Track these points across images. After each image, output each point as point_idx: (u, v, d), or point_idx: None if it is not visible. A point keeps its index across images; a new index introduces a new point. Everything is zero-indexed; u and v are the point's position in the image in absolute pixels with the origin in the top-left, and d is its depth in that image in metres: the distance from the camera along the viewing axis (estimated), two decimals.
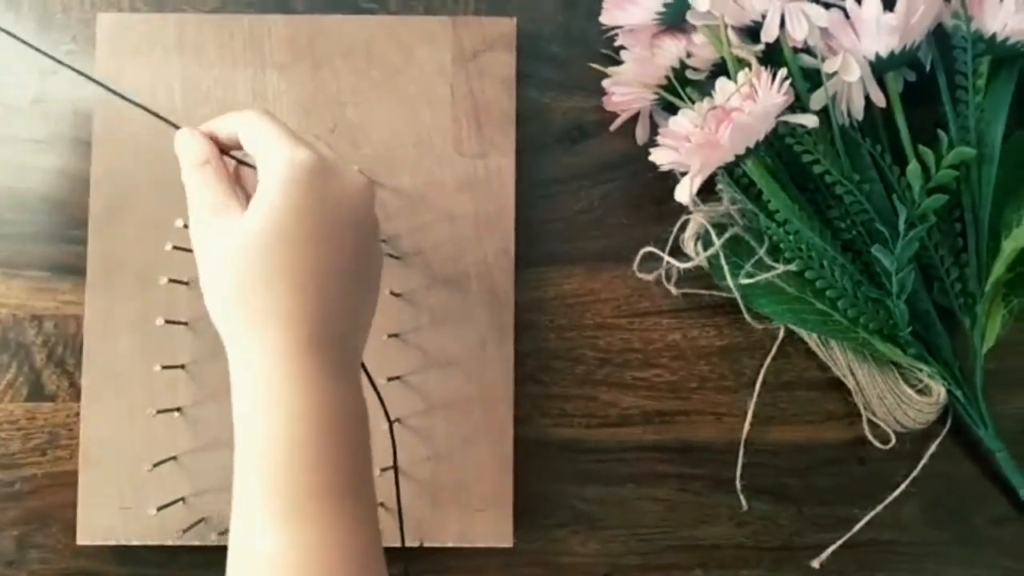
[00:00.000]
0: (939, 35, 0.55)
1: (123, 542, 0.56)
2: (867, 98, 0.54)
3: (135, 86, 0.58)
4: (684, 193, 0.51)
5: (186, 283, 0.57)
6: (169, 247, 0.54)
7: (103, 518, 0.56)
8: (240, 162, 0.48)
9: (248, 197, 0.43)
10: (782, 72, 0.50)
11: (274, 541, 0.38)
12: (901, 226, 0.51)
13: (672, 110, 0.55)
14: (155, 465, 0.55)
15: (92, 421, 0.57)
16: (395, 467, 0.54)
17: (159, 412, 0.56)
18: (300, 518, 0.39)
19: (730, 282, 0.55)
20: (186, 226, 0.51)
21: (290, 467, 0.39)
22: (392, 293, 0.57)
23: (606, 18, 0.57)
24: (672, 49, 0.56)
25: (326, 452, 0.40)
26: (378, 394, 0.52)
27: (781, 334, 0.58)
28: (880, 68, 0.53)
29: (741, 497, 0.58)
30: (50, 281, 0.59)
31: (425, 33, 0.59)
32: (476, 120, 0.59)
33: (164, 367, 0.56)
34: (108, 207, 0.58)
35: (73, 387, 0.58)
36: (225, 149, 0.46)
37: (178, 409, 0.57)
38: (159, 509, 0.55)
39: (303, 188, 0.41)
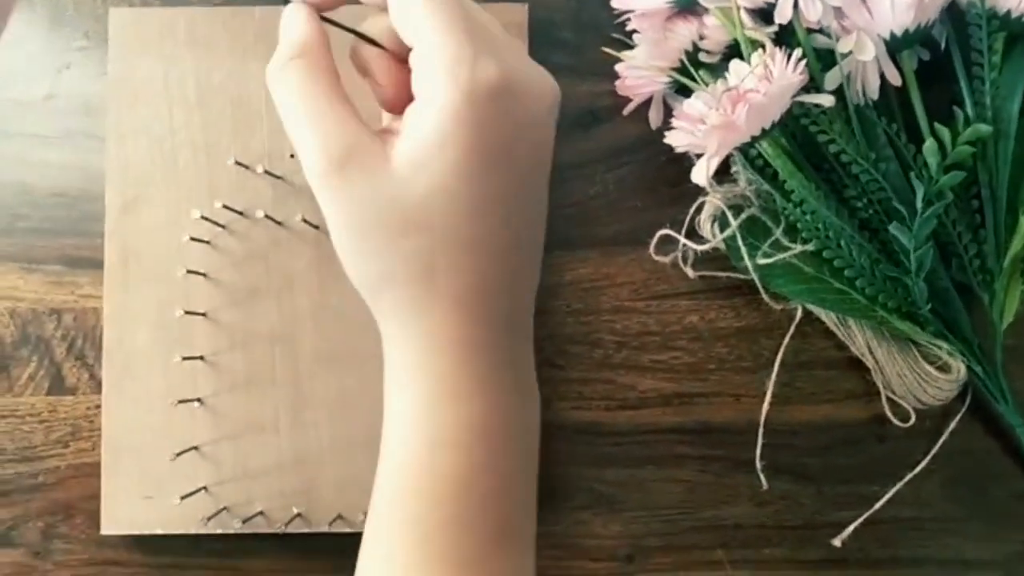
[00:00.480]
0: (953, 12, 0.54)
1: (146, 531, 0.57)
2: (882, 77, 0.53)
3: (148, 81, 0.59)
4: (701, 175, 0.51)
5: (203, 274, 0.57)
6: (186, 239, 0.55)
7: (126, 508, 0.57)
8: (369, 41, 0.35)
9: (386, 100, 0.32)
10: (797, 52, 0.50)
11: None
12: (918, 204, 0.51)
13: (686, 93, 0.55)
14: (177, 455, 0.55)
15: (113, 413, 0.57)
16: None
17: (179, 402, 0.56)
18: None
19: (747, 263, 0.55)
20: (203, 217, 0.50)
21: (459, 516, 0.31)
22: None
23: (618, 2, 0.56)
24: (685, 32, 0.56)
25: (505, 490, 0.32)
26: None
27: (799, 314, 0.58)
28: (895, 47, 0.52)
29: (761, 477, 0.58)
30: (68, 275, 0.59)
31: None
32: None
33: (184, 358, 0.56)
34: (124, 200, 0.58)
35: (93, 379, 0.58)
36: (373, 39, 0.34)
37: (198, 399, 0.57)
38: (183, 498, 0.55)
39: (486, 118, 0.31)
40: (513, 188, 0.32)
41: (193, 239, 0.55)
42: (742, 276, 0.58)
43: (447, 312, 0.32)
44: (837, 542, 0.58)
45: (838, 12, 0.52)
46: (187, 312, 0.56)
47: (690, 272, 0.58)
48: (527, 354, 0.36)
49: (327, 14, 0.36)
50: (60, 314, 0.59)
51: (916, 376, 0.56)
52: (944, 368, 0.56)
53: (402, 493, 0.31)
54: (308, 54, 0.33)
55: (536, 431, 0.35)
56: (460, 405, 0.32)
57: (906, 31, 0.51)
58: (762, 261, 0.55)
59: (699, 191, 0.56)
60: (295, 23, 0.33)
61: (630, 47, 0.57)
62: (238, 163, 0.57)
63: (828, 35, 0.52)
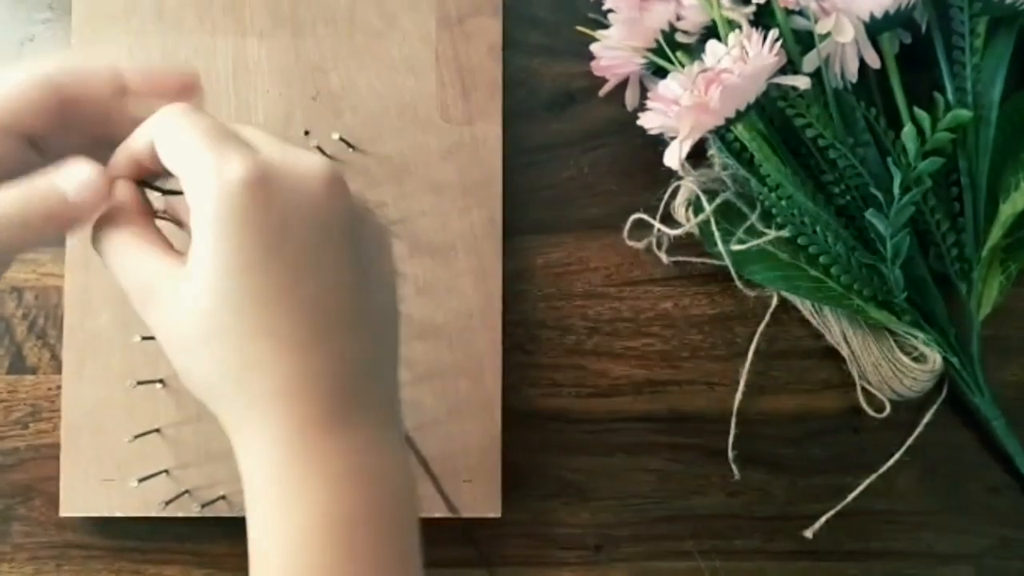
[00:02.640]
0: None
1: (105, 514, 0.56)
2: (861, 60, 0.52)
3: (112, 55, 0.57)
4: (673, 158, 0.50)
5: None
6: None
7: (86, 491, 0.56)
8: (166, 192, 0.37)
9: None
10: (773, 32, 0.48)
11: None
12: (896, 190, 0.50)
13: (662, 74, 0.54)
14: (136, 437, 0.54)
15: (74, 394, 0.56)
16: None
17: (139, 383, 0.55)
18: None
19: (721, 249, 0.54)
20: (166, 192, 0.50)
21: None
22: None
23: None
24: (661, 12, 0.54)
25: (367, 558, 0.32)
26: None
27: (774, 302, 0.57)
28: (875, 29, 0.51)
29: (734, 467, 0.57)
30: (29, 252, 0.58)
31: None
32: (462, 86, 0.58)
33: (144, 338, 0.55)
34: None
35: (55, 359, 0.57)
36: (155, 172, 0.35)
37: (160, 380, 0.56)
38: (140, 481, 0.54)
39: (243, 213, 0.31)
40: (302, 272, 0.32)
41: (160, 216, 0.54)
42: (717, 262, 0.56)
43: (264, 412, 0.32)
44: (809, 533, 0.57)
45: None
46: None
47: (664, 258, 0.57)
48: (381, 434, 0.34)
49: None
50: (21, 292, 0.58)
51: (892, 366, 0.55)
52: (920, 359, 0.55)
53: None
54: (115, 218, 0.34)
55: (407, 503, 0.35)
56: (298, 504, 0.31)
57: (886, 13, 0.50)
58: (736, 247, 0.54)
59: (675, 175, 0.55)
60: (98, 198, 0.34)
61: (606, 27, 0.56)
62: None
63: (807, 16, 0.51)
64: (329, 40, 0.58)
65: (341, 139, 0.55)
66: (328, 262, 0.32)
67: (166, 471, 0.56)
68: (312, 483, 0.31)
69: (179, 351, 0.33)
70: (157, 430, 0.56)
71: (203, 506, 0.55)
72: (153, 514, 0.55)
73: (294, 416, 0.32)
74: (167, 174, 0.34)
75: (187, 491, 0.55)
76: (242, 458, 0.33)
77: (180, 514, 0.55)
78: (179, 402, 0.56)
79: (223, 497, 0.55)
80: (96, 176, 0.33)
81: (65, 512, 0.56)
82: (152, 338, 0.54)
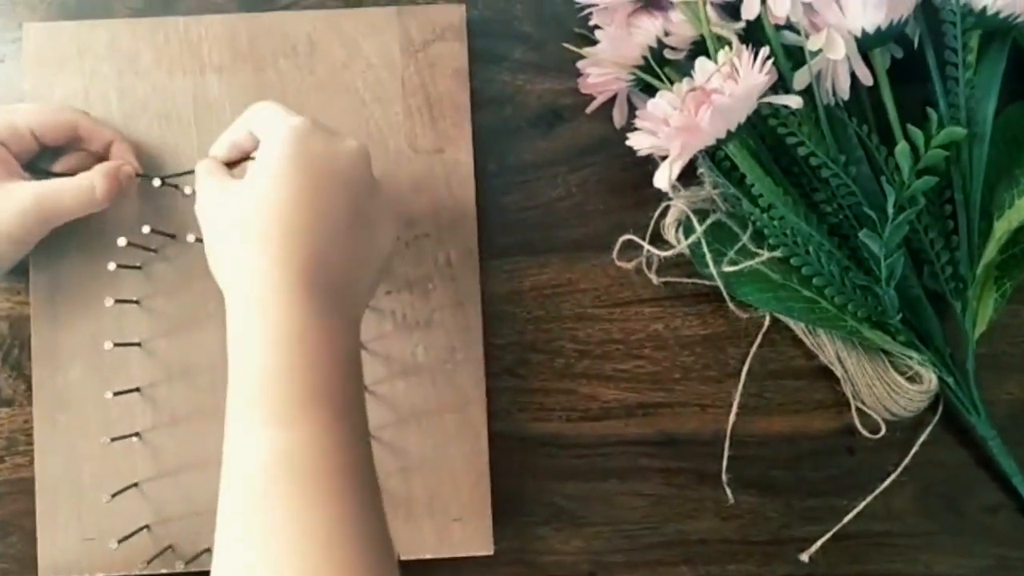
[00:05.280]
0: (927, 9, 0.52)
1: None
2: (853, 76, 0.51)
3: (68, 98, 0.56)
4: (663, 180, 0.49)
5: (136, 302, 0.55)
6: (113, 267, 0.52)
7: (66, 551, 0.54)
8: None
9: None
10: (764, 51, 0.47)
11: (262, 440, 0.40)
12: (890, 209, 0.49)
13: (650, 92, 0.53)
14: (114, 495, 0.53)
15: (47, 452, 0.54)
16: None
17: (114, 440, 0.53)
18: (287, 423, 0.40)
19: (713, 270, 0.53)
20: (130, 243, 0.51)
21: (278, 377, 0.41)
22: None
23: None
24: (649, 28, 0.53)
25: (314, 369, 0.41)
26: None
27: (767, 322, 0.56)
28: (866, 44, 0.50)
29: (728, 490, 0.56)
30: (3, 280, 0.56)
31: (370, 25, 0.56)
32: (430, 114, 0.56)
33: (116, 393, 0.53)
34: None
35: (30, 391, 0.55)
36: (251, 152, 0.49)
37: (136, 434, 0.54)
38: (120, 541, 0.52)
39: (296, 146, 0.44)
40: (319, 199, 0.44)
41: (121, 266, 0.52)
42: (708, 282, 0.55)
43: (274, 267, 0.43)
44: (805, 557, 0.56)
45: (808, 8, 0.50)
46: (118, 344, 0.53)
47: (654, 278, 0.56)
48: (348, 305, 0.45)
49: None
50: None
51: (886, 387, 0.54)
52: (915, 379, 0.54)
53: (240, 363, 0.42)
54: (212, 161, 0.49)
55: (348, 348, 0.45)
56: (272, 324, 0.42)
57: (878, 28, 0.49)
58: (728, 268, 0.53)
59: (665, 194, 0.54)
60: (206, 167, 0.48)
61: (593, 43, 0.55)
62: (166, 183, 0.54)
63: (797, 32, 0.50)
64: (291, 73, 0.56)
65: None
66: (342, 194, 0.44)
67: (147, 527, 0.54)
68: (290, 313, 0.42)
69: (224, 224, 0.45)
70: (135, 485, 0.54)
71: (187, 562, 0.54)
72: (136, 572, 0.54)
73: (286, 274, 0.42)
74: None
75: (170, 546, 0.54)
76: (237, 300, 0.43)
77: (164, 571, 0.54)
78: (157, 455, 0.55)
79: (207, 550, 0.54)
80: (112, 177, 0.52)
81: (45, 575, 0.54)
82: (127, 392, 0.53)
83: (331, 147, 0.45)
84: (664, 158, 0.49)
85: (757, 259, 0.53)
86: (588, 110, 0.57)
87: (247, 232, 0.43)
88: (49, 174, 0.54)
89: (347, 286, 0.45)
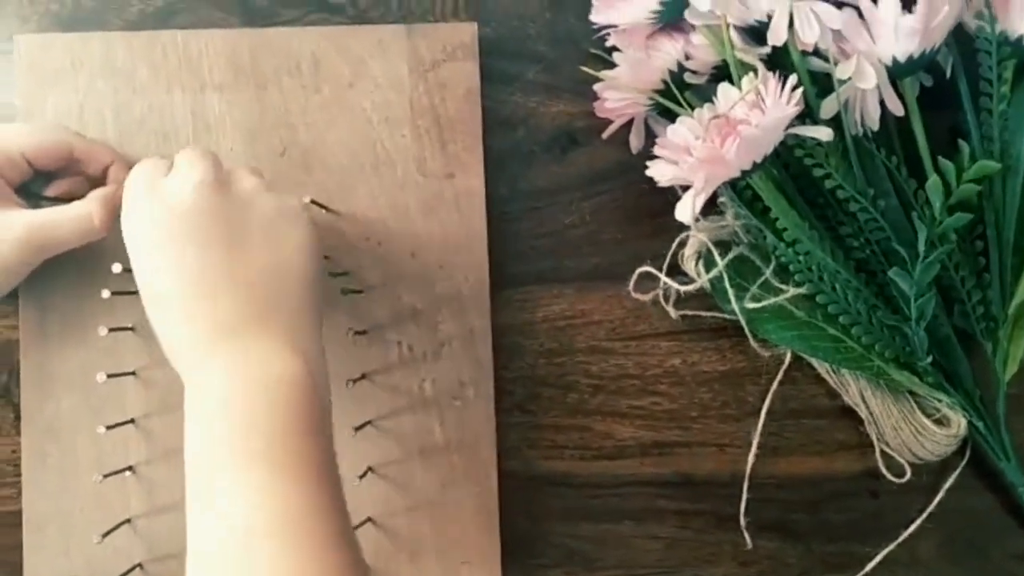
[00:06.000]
0: (960, 36, 0.50)
1: None
2: (882, 105, 0.49)
3: (62, 115, 0.54)
4: (686, 213, 0.47)
5: (131, 328, 0.52)
6: (107, 294, 0.50)
7: None
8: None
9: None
10: (792, 79, 0.45)
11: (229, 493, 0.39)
12: (921, 247, 0.47)
13: (669, 116, 0.51)
14: (105, 535, 0.51)
15: (36, 484, 0.52)
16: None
17: (106, 476, 0.51)
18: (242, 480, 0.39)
19: (735, 307, 0.51)
20: (125, 269, 0.48)
21: (231, 430, 0.40)
22: (356, 332, 0.53)
23: (597, 16, 0.52)
24: (669, 51, 0.51)
25: (260, 417, 0.40)
26: None
27: (788, 358, 0.54)
28: (897, 73, 0.48)
29: (746, 534, 0.54)
30: None
31: (377, 42, 0.54)
32: (439, 137, 0.54)
33: (108, 427, 0.51)
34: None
35: (19, 420, 0.53)
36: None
37: (130, 468, 0.52)
38: None
39: (128, 223, 0.43)
40: (177, 249, 0.42)
41: (116, 293, 0.50)
42: (728, 317, 0.53)
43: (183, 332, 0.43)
44: None
45: (837, 35, 0.48)
46: (111, 375, 0.51)
47: (672, 311, 0.54)
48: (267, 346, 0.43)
49: None
50: None
51: (913, 429, 0.52)
52: (943, 421, 0.52)
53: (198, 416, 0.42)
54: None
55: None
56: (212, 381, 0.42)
57: (910, 56, 0.47)
58: (751, 305, 0.51)
59: (683, 223, 0.52)
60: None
61: (610, 65, 0.53)
62: None
63: (825, 58, 0.48)
64: (295, 92, 0.54)
65: (313, 201, 0.52)
66: (189, 248, 0.42)
67: (139, 565, 0.52)
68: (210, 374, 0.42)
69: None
70: (128, 521, 0.52)
71: None
72: None
73: (195, 332, 0.42)
74: None
75: None
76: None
77: None
78: (151, 490, 0.53)
79: None
80: (111, 204, 0.49)
81: None
82: (123, 424, 0.51)
83: (154, 201, 0.43)
84: (685, 188, 0.47)
85: (783, 296, 0.51)
86: (604, 135, 0.55)
87: (152, 314, 0.43)
88: (43, 198, 0.51)
89: (260, 313, 0.43)
